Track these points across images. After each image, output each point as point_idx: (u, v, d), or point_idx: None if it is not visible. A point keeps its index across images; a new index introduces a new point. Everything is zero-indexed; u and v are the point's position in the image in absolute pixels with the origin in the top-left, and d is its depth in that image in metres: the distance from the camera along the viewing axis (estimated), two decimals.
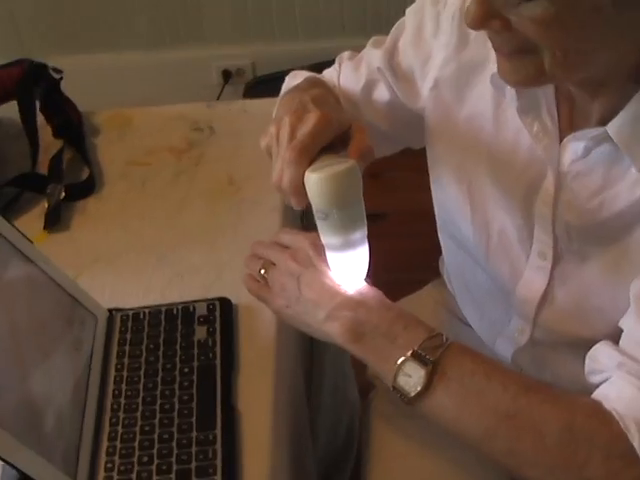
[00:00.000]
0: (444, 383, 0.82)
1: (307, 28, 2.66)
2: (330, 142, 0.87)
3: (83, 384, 0.98)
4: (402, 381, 0.83)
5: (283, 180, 0.86)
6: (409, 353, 0.83)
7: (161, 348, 1.03)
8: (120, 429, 0.96)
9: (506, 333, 1.07)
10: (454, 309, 1.21)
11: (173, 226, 1.22)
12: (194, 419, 0.95)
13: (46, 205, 1.24)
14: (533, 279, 0.99)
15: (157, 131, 1.38)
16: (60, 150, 1.31)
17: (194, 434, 0.94)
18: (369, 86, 1.10)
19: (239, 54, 2.72)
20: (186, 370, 1.00)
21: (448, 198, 1.06)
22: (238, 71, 2.75)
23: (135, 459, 0.93)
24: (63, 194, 1.24)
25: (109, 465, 0.92)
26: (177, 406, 0.97)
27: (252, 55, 2.72)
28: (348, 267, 0.88)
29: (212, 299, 1.08)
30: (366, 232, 0.87)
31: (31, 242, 1.01)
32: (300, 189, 0.85)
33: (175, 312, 1.07)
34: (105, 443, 0.95)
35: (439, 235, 1.13)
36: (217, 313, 1.07)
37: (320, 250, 0.90)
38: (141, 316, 1.07)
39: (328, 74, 1.17)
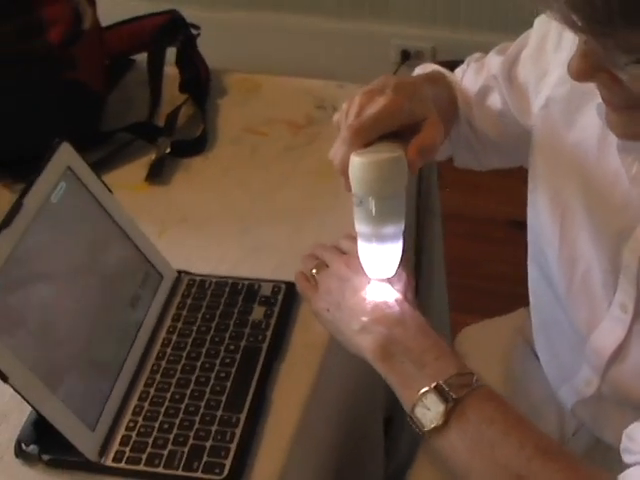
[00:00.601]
0: (461, 425, 0.77)
1: (493, 20, 2.57)
2: (396, 130, 0.85)
3: (129, 340, 0.99)
4: (419, 413, 0.79)
5: (335, 158, 0.85)
6: (433, 385, 0.79)
7: (215, 320, 1.02)
8: (152, 391, 0.95)
9: (573, 381, 0.99)
10: (530, 341, 1.14)
11: (268, 200, 1.20)
12: (224, 397, 0.94)
13: (153, 157, 1.25)
14: (610, 330, 0.91)
15: (281, 102, 1.36)
16: (181, 105, 1.32)
17: (219, 413, 0.92)
18: (484, 92, 1.04)
19: (421, 36, 2.67)
20: (232, 347, 0.99)
21: (541, 225, 0.99)
22: (417, 53, 2.70)
23: (157, 424, 0.92)
24: (169, 149, 1.24)
25: (131, 424, 0.93)
26: (212, 381, 0.96)
27: (434, 39, 2.66)
28: (375, 260, 0.85)
29: (279, 281, 1.06)
30: (401, 229, 0.85)
31: (110, 192, 1.02)
32: (347, 170, 0.83)
33: (240, 287, 1.06)
34: (134, 402, 0.95)
35: (528, 262, 1.06)
36: (280, 297, 1.04)
37: None
38: (207, 284, 1.07)
39: (457, 72, 1.12)
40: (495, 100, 1.04)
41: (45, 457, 0.90)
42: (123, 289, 1.00)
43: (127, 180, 1.23)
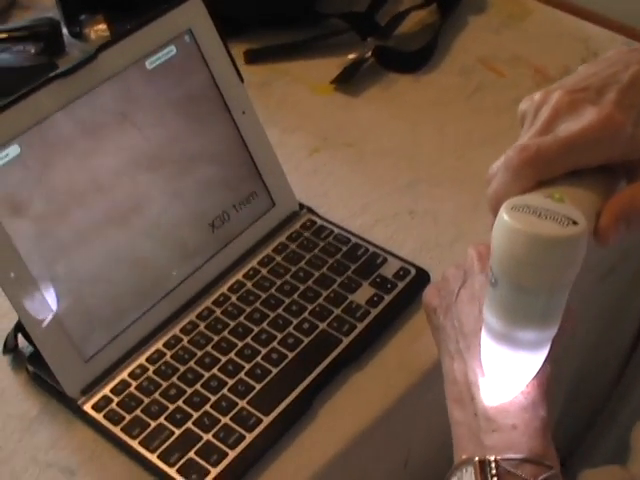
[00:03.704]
0: None
1: None
2: (602, 164, 0.54)
3: (189, 267, 0.76)
4: None
5: (490, 186, 0.56)
6: (478, 458, 0.53)
7: (308, 282, 0.78)
8: (183, 342, 0.73)
9: None
10: None
11: (462, 158, 0.91)
12: (257, 386, 0.70)
13: (350, 56, 1.00)
14: None
15: (541, 41, 1.05)
16: (411, 9, 1.04)
17: (241, 404, 0.69)
18: None
19: None
20: (305, 326, 0.74)
21: None
22: None
23: (163, 387, 0.70)
24: (370, 54, 0.98)
25: (137, 372, 0.71)
26: (256, 360, 0.72)
27: None
28: (499, 368, 0.55)
29: (411, 264, 0.79)
30: (547, 338, 0.54)
31: (242, 80, 0.79)
32: (496, 211, 0.53)
33: (360, 252, 0.80)
34: (155, 346, 0.73)
35: None
36: (401, 284, 0.77)
37: None
38: (325, 233, 0.82)
39: None
40: None
41: (30, 368, 0.72)
42: (208, 203, 0.78)
43: (311, 74, 1.00)
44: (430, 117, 0.94)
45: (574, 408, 1.09)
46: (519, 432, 0.54)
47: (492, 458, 0.53)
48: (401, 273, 0.78)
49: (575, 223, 0.49)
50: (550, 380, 0.57)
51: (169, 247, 0.75)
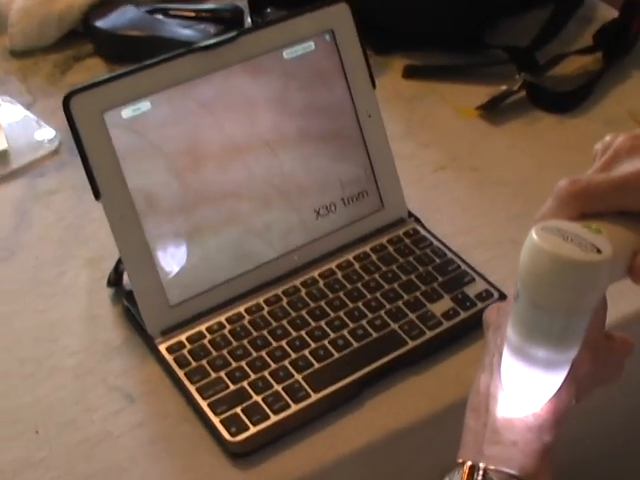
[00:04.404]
0: None
1: None
2: None
3: (284, 247, 0.82)
4: None
5: (541, 210, 0.58)
6: (470, 463, 0.55)
7: (393, 284, 0.81)
8: (263, 312, 0.79)
9: None
10: None
11: None
12: (316, 365, 0.74)
13: (504, 87, 1.02)
14: None
15: None
16: (574, 52, 1.06)
17: (296, 376, 0.73)
18: None
19: None
20: (378, 323, 0.78)
21: None
22: None
23: (232, 345, 0.76)
24: (519, 87, 1.00)
25: (214, 327, 0.77)
26: (323, 342, 0.76)
27: None
28: (513, 380, 0.57)
29: (497, 289, 0.81)
30: (563, 361, 0.56)
31: (374, 86, 0.84)
32: None
33: (451, 268, 0.83)
34: (236, 309, 0.79)
35: None
36: (480, 305, 0.79)
37: None
38: (424, 244, 0.85)
39: None
40: None
41: (126, 303, 0.80)
42: (318, 190, 0.83)
43: (459, 97, 1.04)
44: (561, 159, 0.95)
45: None
46: (517, 449, 0.55)
47: (482, 465, 0.55)
48: (484, 295, 0.80)
49: (599, 251, 0.51)
50: (568, 413, 0.58)
51: (273, 222, 0.81)
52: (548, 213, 0.57)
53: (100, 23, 1.07)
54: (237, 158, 0.79)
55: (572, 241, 0.51)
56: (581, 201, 0.55)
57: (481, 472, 0.55)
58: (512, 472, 0.54)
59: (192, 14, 1.10)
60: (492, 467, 0.55)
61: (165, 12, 1.09)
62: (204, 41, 0.77)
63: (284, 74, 0.80)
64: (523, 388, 0.57)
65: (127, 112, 0.73)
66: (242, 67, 0.78)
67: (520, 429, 0.56)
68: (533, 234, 0.52)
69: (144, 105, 0.74)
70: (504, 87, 1.02)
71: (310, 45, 0.81)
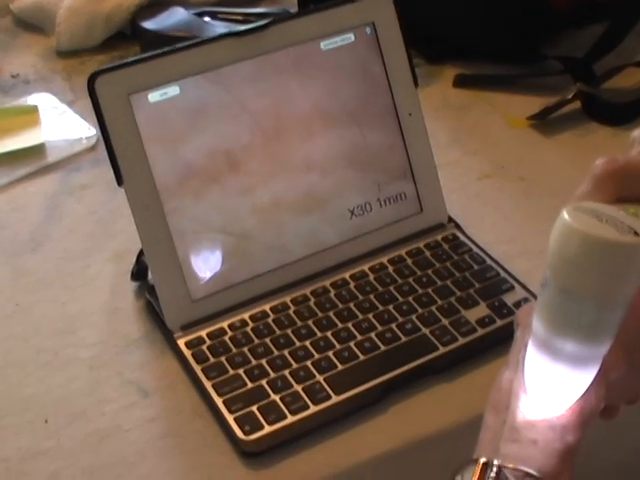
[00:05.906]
0: None
1: None
2: None
3: (316, 246, 0.79)
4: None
5: (576, 191, 0.55)
6: (484, 460, 0.51)
7: (427, 289, 0.77)
8: (289, 311, 0.75)
9: None
10: None
11: None
12: (339, 367, 0.71)
13: (554, 98, 0.98)
14: None
15: None
16: (629, 64, 1.01)
17: (318, 377, 0.70)
18: None
19: None
20: (408, 327, 0.74)
21: None
22: None
23: (254, 343, 0.72)
24: (572, 96, 0.96)
25: (236, 324, 0.74)
26: (348, 343, 0.72)
27: None
28: (537, 377, 0.53)
29: (535, 296, 0.76)
30: (592, 357, 0.51)
31: (416, 85, 0.81)
32: None
33: (490, 276, 0.79)
34: (261, 307, 0.76)
35: None
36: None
37: None
38: (463, 249, 0.81)
39: None
40: None
41: (148, 297, 0.77)
42: (353, 189, 0.80)
43: (510, 106, 1.00)
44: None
45: None
46: (537, 448, 0.51)
47: (496, 462, 0.50)
48: (522, 303, 0.76)
49: (637, 234, 0.46)
50: (594, 416, 0.53)
51: (304, 219, 0.78)
52: (582, 195, 0.53)
53: (147, 24, 1.07)
54: (266, 152, 0.76)
55: (607, 222, 0.47)
56: (618, 181, 0.51)
57: (494, 469, 0.50)
58: (528, 471, 0.50)
59: (240, 17, 1.08)
60: (509, 465, 0.50)
61: (213, 15, 1.08)
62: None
63: (320, 66, 0.77)
64: (548, 385, 0.52)
65: (154, 96, 0.71)
66: (275, 56, 0.75)
67: (541, 428, 0.52)
68: (564, 214, 0.48)
69: (173, 90, 0.72)
70: (557, 98, 0.97)
71: (349, 37, 0.78)
